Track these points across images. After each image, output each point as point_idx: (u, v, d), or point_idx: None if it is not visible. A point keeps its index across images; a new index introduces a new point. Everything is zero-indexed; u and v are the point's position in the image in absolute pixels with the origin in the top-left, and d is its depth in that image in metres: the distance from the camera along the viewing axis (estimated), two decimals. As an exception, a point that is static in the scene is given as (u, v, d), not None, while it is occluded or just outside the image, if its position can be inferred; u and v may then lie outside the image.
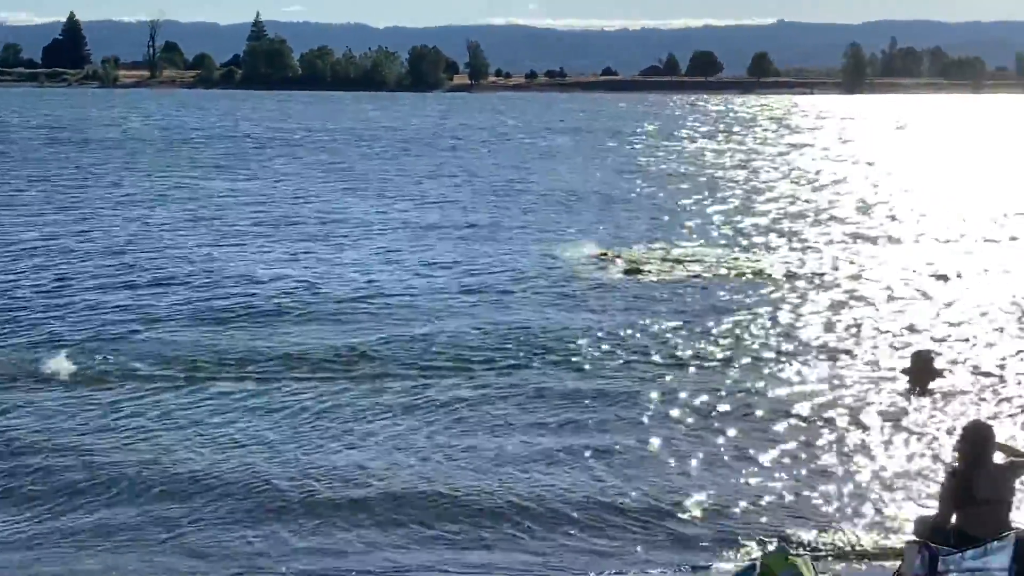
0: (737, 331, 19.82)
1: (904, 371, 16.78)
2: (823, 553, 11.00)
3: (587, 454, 13.63)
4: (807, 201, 41.67)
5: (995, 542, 9.30)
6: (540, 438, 14.27)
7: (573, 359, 17.90)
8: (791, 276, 25.28)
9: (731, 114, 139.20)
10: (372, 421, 14.87)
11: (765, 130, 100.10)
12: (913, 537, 9.75)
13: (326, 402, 15.63)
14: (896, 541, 11.03)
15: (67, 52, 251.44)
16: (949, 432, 12.29)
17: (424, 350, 18.33)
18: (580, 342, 18.88)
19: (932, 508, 10.86)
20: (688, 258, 27.56)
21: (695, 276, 25.23)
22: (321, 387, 16.31)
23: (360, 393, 16.09)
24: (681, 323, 20.34)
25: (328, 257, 28.21)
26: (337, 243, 30.70)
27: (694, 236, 31.79)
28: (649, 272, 25.48)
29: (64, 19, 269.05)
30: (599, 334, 19.48)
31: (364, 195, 42.73)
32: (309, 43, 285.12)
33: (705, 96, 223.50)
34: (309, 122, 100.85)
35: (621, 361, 17.81)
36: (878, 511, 11.94)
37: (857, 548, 11.17)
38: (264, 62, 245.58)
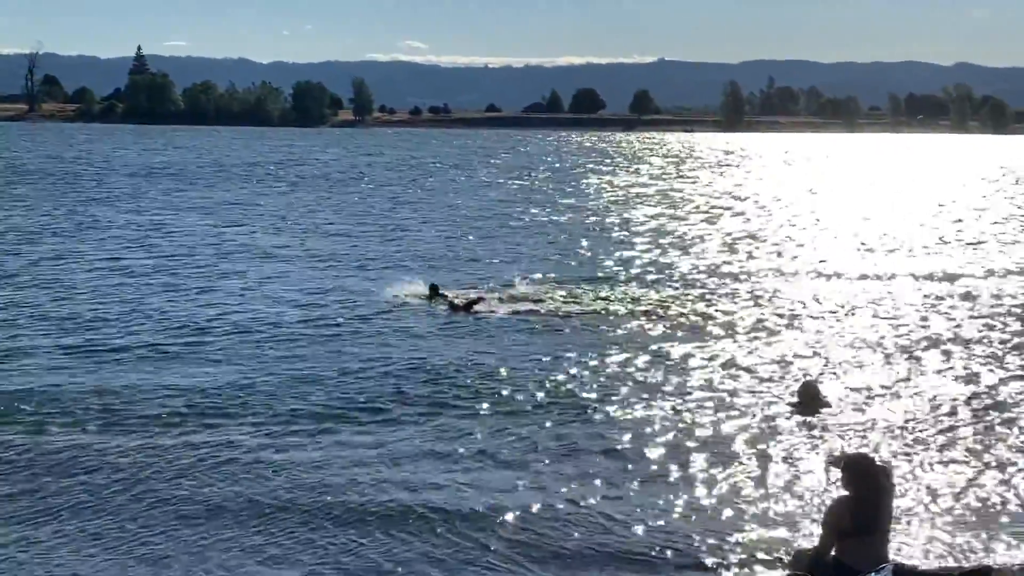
0: (610, 367, 19.91)
1: (790, 402, 17.18)
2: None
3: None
4: (688, 236, 42.27)
5: (873, 574, 9.55)
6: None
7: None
8: (670, 311, 25.53)
9: (611, 149, 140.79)
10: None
11: (646, 165, 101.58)
12: (791, 571, 9.92)
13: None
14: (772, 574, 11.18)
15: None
16: (833, 463, 12.59)
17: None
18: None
19: (810, 541, 11.13)
20: (537, 295, 27.24)
21: (534, 312, 25.12)
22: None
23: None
24: (526, 361, 20.41)
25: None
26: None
27: (564, 272, 31.86)
28: (489, 310, 25.34)
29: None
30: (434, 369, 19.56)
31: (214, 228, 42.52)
32: (192, 77, 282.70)
33: (587, 132, 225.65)
34: (183, 156, 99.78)
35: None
36: (755, 544, 11.87)
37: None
38: (146, 96, 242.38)
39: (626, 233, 42.92)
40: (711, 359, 20.44)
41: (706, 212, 53.79)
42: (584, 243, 39.32)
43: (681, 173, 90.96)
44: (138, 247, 36.74)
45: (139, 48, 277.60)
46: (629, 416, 16.61)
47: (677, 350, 21.15)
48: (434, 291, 27.05)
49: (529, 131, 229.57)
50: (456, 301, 25.78)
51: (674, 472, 14.14)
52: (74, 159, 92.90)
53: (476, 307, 25.32)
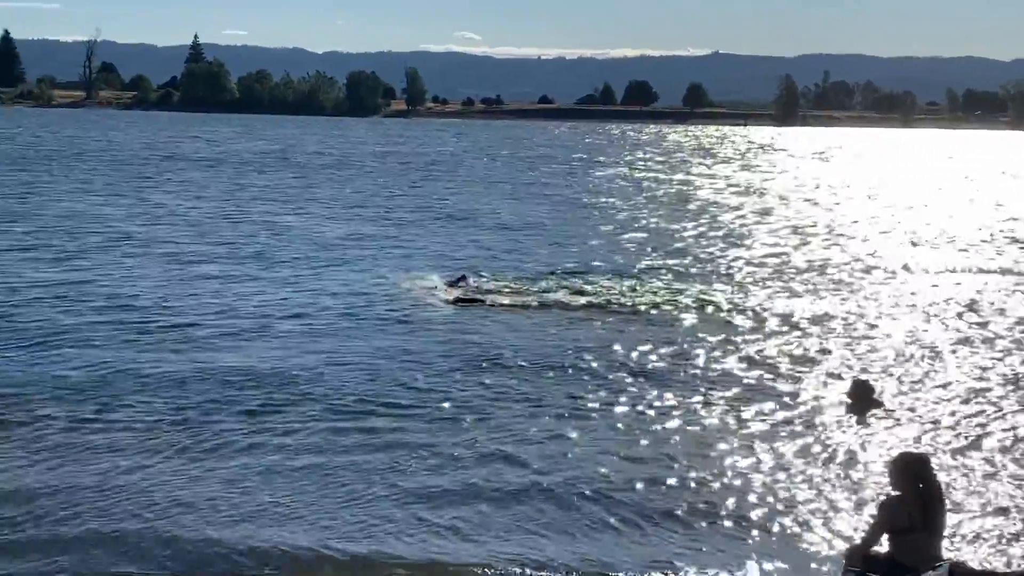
0: (664, 361, 19.88)
1: (842, 400, 17.11)
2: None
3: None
4: (739, 229, 42.04)
5: (930, 572, 9.49)
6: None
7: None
8: (722, 306, 25.49)
9: (663, 142, 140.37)
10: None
11: (699, 159, 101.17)
12: (848, 566, 9.89)
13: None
14: (827, 569, 11.16)
15: (1, 70, 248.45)
16: (884, 461, 12.51)
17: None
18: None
19: (860, 537, 11.08)
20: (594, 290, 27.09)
21: (593, 306, 25.09)
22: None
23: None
24: (582, 355, 20.39)
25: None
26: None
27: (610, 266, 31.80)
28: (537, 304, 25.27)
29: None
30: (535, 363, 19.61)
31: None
32: (247, 67, 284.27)
33: (639, 125, 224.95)
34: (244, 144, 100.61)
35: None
36: (808, 542, 11.96)
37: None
38: (202, 85, 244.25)
39: (683, 226, 42.75)
40: (760, 355, 20.35)
41: (758, 205, 53.48)
42: (633, 237, 39.20)
43: (731, 166, 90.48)
44: (198, 234, 37.10)
45: (196, 37, 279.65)
46: (678, 412, 16.54)
47: (725, 345, 21.09)
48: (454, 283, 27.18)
49: (581, 123, 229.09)
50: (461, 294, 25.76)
51: (723, 470, 14.13)
52: (141, 146, 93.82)
53: (504, 301, 25.32)
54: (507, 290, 26.88)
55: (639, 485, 13.46)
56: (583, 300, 25.61)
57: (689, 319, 23.78)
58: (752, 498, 13.12)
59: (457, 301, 25.33)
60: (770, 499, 13.09)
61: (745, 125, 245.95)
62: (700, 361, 19.80)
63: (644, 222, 44.40)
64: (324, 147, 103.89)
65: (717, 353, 20.39)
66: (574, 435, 15.37)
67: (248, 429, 15.41)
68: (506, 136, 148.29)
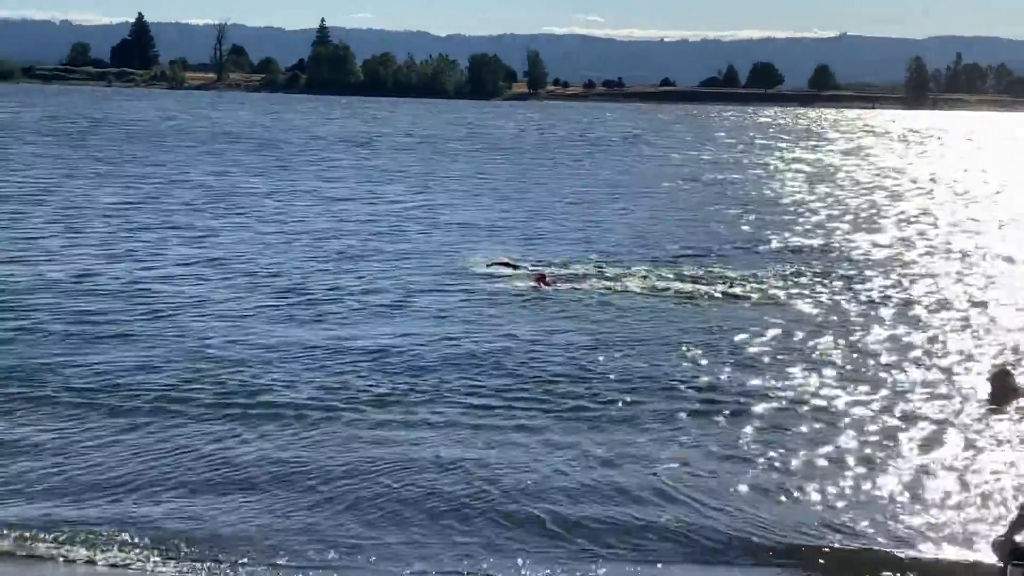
0: (786, 349, 19.82)
1: (983, 392, 16.93)
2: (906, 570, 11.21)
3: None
4: (864, 214, 41.54)
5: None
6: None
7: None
8: (858, 291, 25.32)
9: (793, 125, 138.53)
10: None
11: (830, 142, 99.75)
12: (998, 555, 9.84)
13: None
14: (972, 559, 11.15)
15: (135, 53, 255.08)
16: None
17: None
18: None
19: (1007, 528, 11.02)
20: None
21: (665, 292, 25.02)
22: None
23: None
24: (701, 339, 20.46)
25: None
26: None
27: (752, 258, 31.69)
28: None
29: (132, 20, 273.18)
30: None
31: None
32: (372, 49, 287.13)
33: (764, 108, 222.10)
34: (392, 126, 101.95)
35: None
36: (956, 530, 11.98)
37: (939, 566, 11.28)
38: (328, 67, 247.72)
39: (808, 210, 42.37)
40: (893, 345, 20.20)
41: (880, 191, 52.72)
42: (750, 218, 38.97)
43: (858, 151, 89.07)
44: (333, 213, 38.00)
45: (323, 20, 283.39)
46: (807, 405, 16.46)
47: (861, 334, 20.96)
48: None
49: (704, 106, 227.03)
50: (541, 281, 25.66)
51: (860, 461, 14.08)
52: (284, 128, 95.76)
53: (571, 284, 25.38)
54: (623, 274, 26.97)
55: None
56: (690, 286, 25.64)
57: (807, 304, 23.69)
58: (894, 490, 13.14)
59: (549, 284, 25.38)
60: (909, 494, 13.07)
61: (873, 108, 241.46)
62: (827, 350, 19.72)
63: (774, 208, 44.08)
64: (471, 129, 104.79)
65: (847, 343, 20.25)
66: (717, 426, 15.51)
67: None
68: (673, 120, 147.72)
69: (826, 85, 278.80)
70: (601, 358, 18.72)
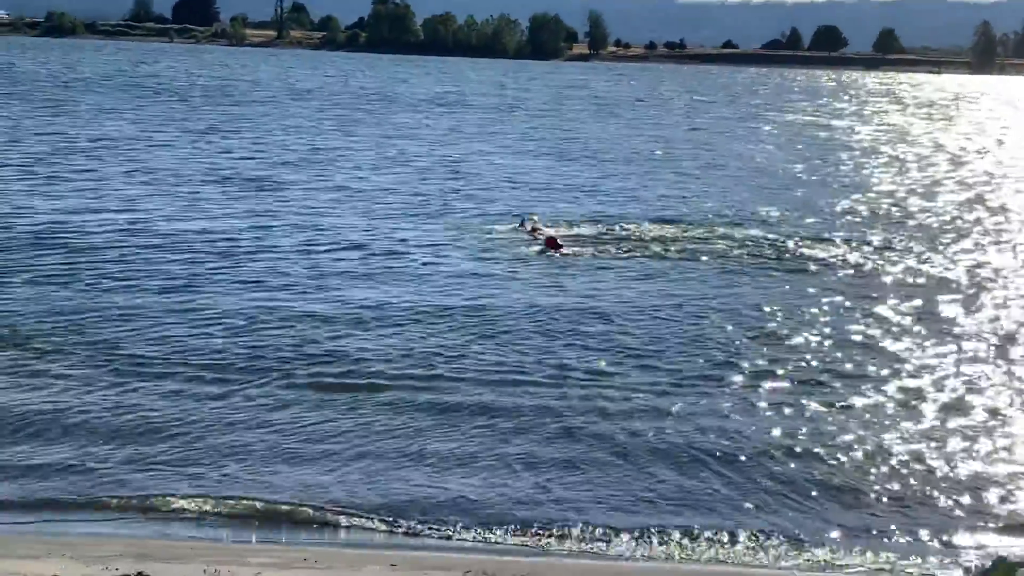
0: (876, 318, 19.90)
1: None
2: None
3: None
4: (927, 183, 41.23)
5: None
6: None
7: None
8: (928, 262, 25.25)
9: (857, 89, 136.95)
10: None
11: (894, 107, 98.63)
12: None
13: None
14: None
15: (196, 9, 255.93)
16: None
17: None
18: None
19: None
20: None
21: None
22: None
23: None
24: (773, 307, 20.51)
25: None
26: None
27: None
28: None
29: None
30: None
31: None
32: (432, 8, 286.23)
33: (828, 71, 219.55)
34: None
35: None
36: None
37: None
38: (388, 26, 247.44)
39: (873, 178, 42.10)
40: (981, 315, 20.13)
41: (943, 158, 52.24)
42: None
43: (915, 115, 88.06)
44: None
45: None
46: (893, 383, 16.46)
47: (940, 308, 20.93)
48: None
49: (767, 68, 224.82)
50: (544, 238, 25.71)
51: (942, 440, 14.12)
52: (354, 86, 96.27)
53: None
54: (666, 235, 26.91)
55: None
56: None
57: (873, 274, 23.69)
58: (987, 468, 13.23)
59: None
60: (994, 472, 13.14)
61: (939, 73, 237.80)
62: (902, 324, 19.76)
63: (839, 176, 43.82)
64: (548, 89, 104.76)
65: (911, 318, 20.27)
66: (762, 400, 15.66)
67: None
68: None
69: (891, 49, 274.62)
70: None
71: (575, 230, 27.34)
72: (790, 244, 26.19)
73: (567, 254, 24.77)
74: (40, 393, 14.54)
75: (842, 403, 14.97)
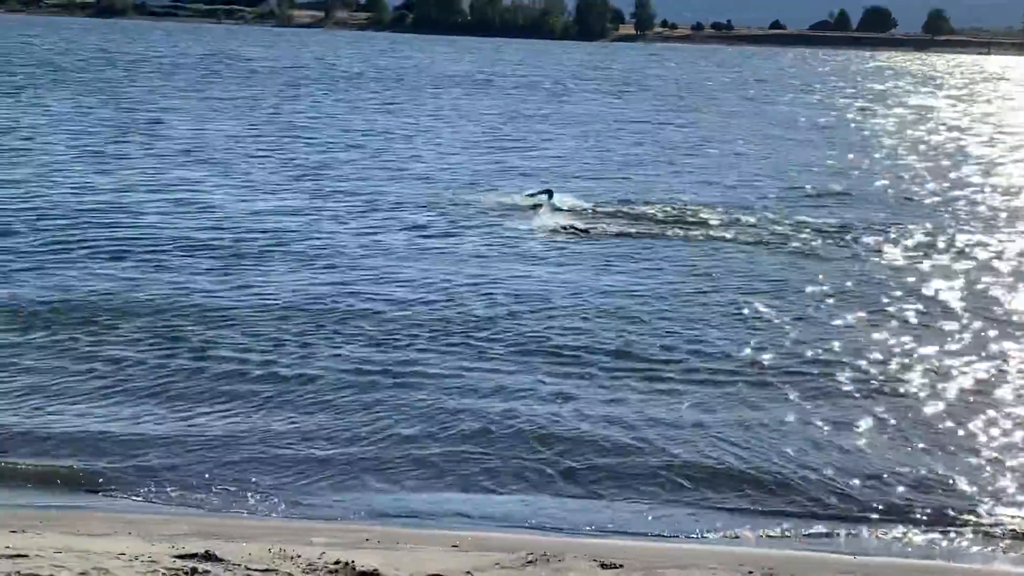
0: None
1: None
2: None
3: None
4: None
5: None
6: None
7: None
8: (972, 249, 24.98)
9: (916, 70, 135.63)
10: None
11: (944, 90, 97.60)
12: None
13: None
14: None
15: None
16: None
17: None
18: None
19: None
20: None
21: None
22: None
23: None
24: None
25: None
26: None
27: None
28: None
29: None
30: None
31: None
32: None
33: (877, 53, 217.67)
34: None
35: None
36: None
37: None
38: (435, 7, 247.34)
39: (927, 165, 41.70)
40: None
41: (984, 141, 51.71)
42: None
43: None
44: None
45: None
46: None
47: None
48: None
49: (814, 49, 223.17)
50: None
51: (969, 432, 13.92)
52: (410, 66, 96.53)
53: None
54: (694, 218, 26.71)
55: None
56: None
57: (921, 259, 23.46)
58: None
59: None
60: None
61: (988, 54, 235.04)
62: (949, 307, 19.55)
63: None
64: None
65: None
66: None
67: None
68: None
69: (940, 30, 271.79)
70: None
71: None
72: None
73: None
74: (107, 367, 14.75)
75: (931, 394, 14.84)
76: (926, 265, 22.48)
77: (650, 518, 11.28)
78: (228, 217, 25.08)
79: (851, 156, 41.61)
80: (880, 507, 11.46)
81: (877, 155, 42.49)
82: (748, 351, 16.22)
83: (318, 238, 23.42)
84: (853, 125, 56.95)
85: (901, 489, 11.83)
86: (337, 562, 9.33)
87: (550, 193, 27.87)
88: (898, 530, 11.07)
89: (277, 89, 64.67)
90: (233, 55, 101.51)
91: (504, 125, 49.20)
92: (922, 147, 46.41)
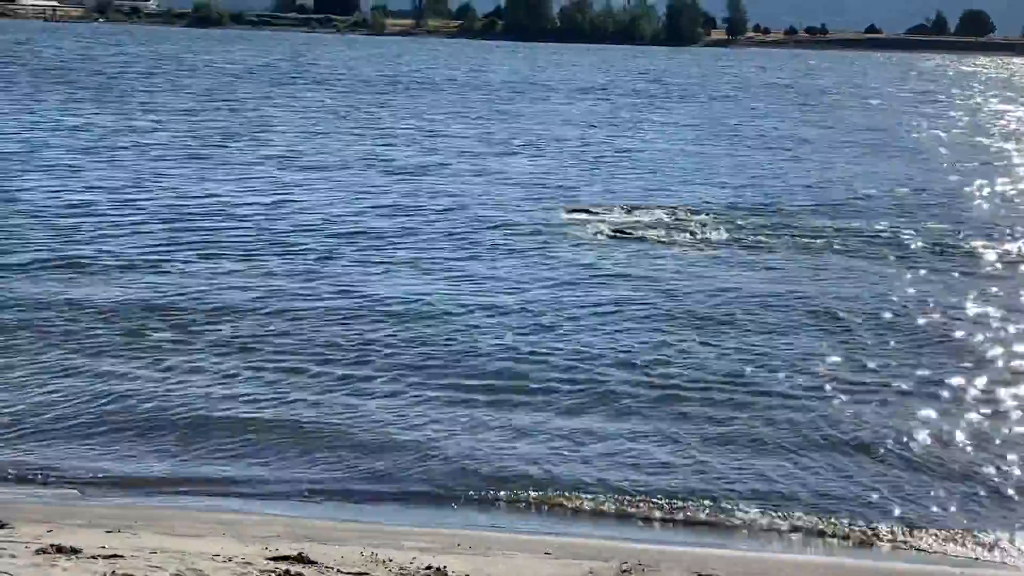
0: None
1: None
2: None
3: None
4: None
5: None
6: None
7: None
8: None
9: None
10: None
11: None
12: None
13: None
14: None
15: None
16: None
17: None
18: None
19: None
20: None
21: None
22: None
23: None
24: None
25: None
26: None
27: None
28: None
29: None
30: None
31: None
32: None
33: (973, 57, 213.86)
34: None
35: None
36: None
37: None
38: (525, 13, 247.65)
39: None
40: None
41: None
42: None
43: None
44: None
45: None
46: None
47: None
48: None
49: (911, 54, 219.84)
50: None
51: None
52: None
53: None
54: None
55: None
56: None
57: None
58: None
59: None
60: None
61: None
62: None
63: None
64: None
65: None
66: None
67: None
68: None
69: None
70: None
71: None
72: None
73: None
74: (194, 379, 14.83)
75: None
76: None
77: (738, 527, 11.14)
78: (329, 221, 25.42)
79: None
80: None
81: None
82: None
83: (411, 243, 23.52)
84: None
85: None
86: (429, 567, 9.28)
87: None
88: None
89: (406, 98, 65.38)
90: (350, 64, 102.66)
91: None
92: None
